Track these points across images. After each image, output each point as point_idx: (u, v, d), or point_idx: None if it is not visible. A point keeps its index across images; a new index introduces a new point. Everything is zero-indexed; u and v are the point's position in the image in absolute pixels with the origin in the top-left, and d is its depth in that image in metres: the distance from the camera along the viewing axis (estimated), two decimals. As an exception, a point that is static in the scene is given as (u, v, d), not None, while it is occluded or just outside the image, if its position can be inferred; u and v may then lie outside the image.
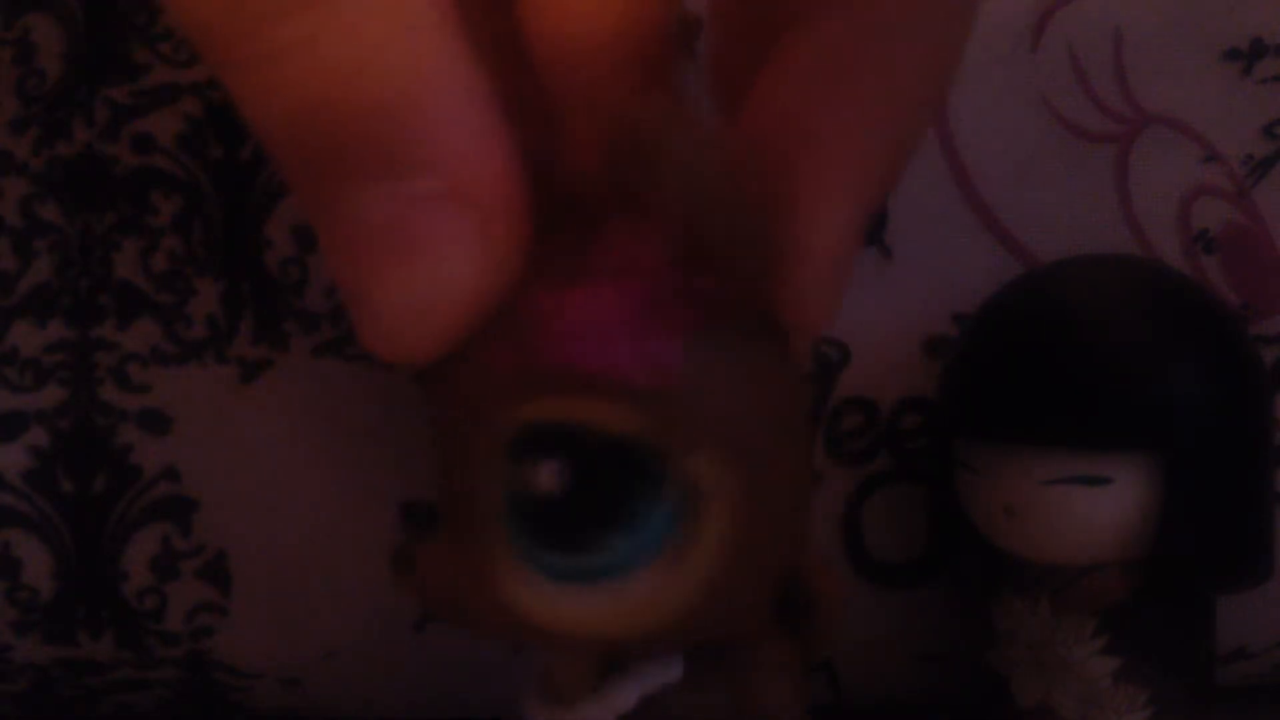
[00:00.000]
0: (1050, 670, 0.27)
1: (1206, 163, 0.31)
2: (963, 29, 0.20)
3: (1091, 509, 0.26)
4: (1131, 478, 0.26)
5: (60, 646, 0.31)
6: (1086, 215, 0.30)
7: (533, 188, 0.19)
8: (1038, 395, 0.26)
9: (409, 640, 0.31)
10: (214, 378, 0.30)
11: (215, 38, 0.18)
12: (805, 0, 0.20)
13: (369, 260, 0.18)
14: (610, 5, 0.22)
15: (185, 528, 0.30)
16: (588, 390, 0.18)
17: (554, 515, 0.19)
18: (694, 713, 0.21)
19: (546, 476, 0.19)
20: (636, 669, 0.21)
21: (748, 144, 0.20)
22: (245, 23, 0.17)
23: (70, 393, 0.30)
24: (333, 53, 0.17)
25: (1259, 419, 0.27)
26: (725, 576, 0.19)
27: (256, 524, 0.30)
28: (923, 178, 0.30)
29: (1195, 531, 0.26)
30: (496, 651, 0.31)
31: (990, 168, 0.30)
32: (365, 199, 0.18)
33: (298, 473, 0.30)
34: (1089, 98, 0.31)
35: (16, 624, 0.31)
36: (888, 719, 0.32)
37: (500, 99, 0.18)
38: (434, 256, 0.18)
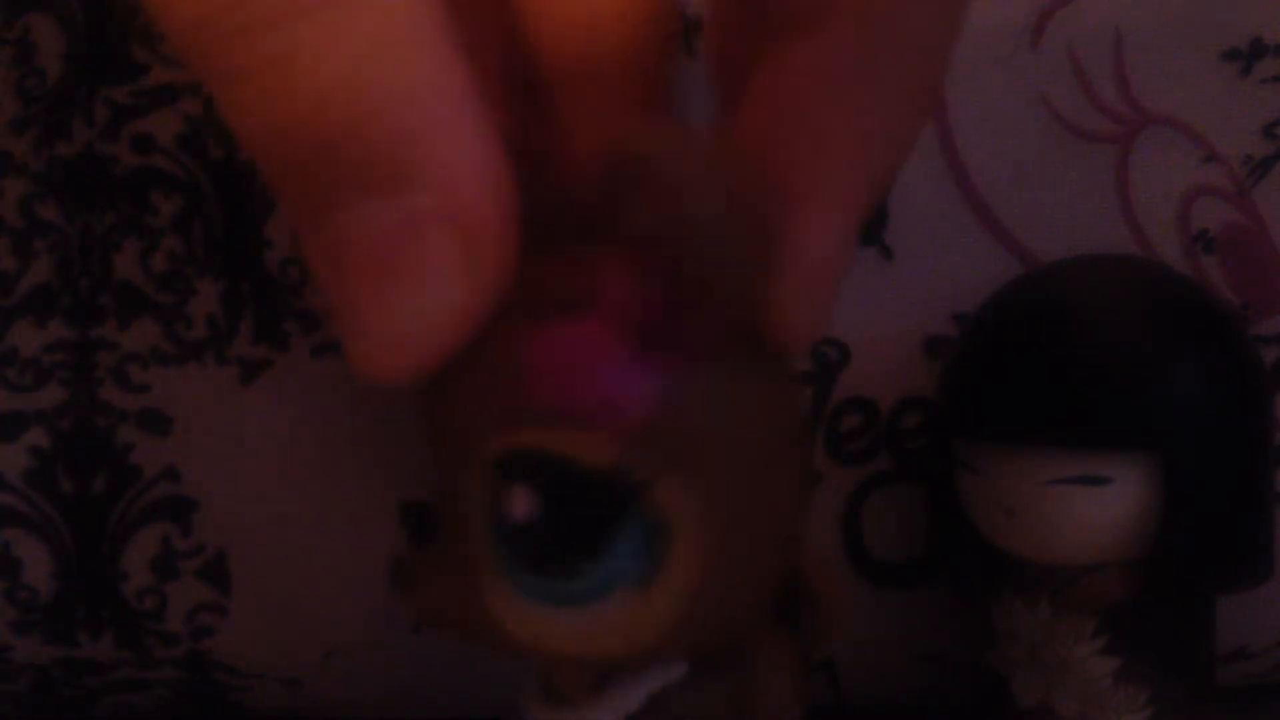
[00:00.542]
0: (1050, 670, 0.27)
1: (1206, 163, 0.31)
2: (952, 34, 0.20)
3: (1091, 509, 0.26)
4: (1131, 478, 0.26)
5: (60, 646, 0.31)
6: (1086, 215, 0.30)
7: (524, 204, 0.19)
8: (1038, 395, 0.26)
9: (409, 640, 0.31)
10: (214, 378, 0.30)
11: (199, 49, 0.17)
12: (801, 4, 0.20)
13: (353, 279, 0.18)
14: (611, 14, 0.22)
15: (185, 528, 0.30)
16: (561, 422, 0.18)
17: (530, 539, 0.19)
18: (696, 712, 0.21)
19: (519, 504, 0.19)
20: (639, 669, 0.21)
21: (740, 157, 0.19)
22: (228, 35, 0.17)
23: (70, 393, 0.30)
24: (317, 68, 0.17)
25: (1259, 419, 0.27)
26: (702, 599, 0.19)
27: (256, 524, 0.30)
28: (923, 178, 0.30)
29: (1195, 531, 0.26)
30: (496, 652, 0.31)
31: (990, 168, 0.30)
32: (350, 217, 0.18)
33: (298, 473, 0.30)
34: (1089, 98, 0.31)
35: (16, 624, 0.31)
36: (888, 719, 0.32)
37: (491, 114, 0.18)
38: (419, 277, 0.18)
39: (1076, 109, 0.31)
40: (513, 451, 0.19)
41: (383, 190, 0.18)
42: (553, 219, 0.20)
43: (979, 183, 0.30)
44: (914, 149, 0.22)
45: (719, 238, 0.18)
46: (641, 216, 0.18)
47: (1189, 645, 0.27)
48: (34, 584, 0.30)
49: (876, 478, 0.31)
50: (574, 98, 0.22)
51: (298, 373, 0.30)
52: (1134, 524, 0.26)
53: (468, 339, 0.18)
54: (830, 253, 0.20)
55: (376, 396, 0.30)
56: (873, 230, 0.30)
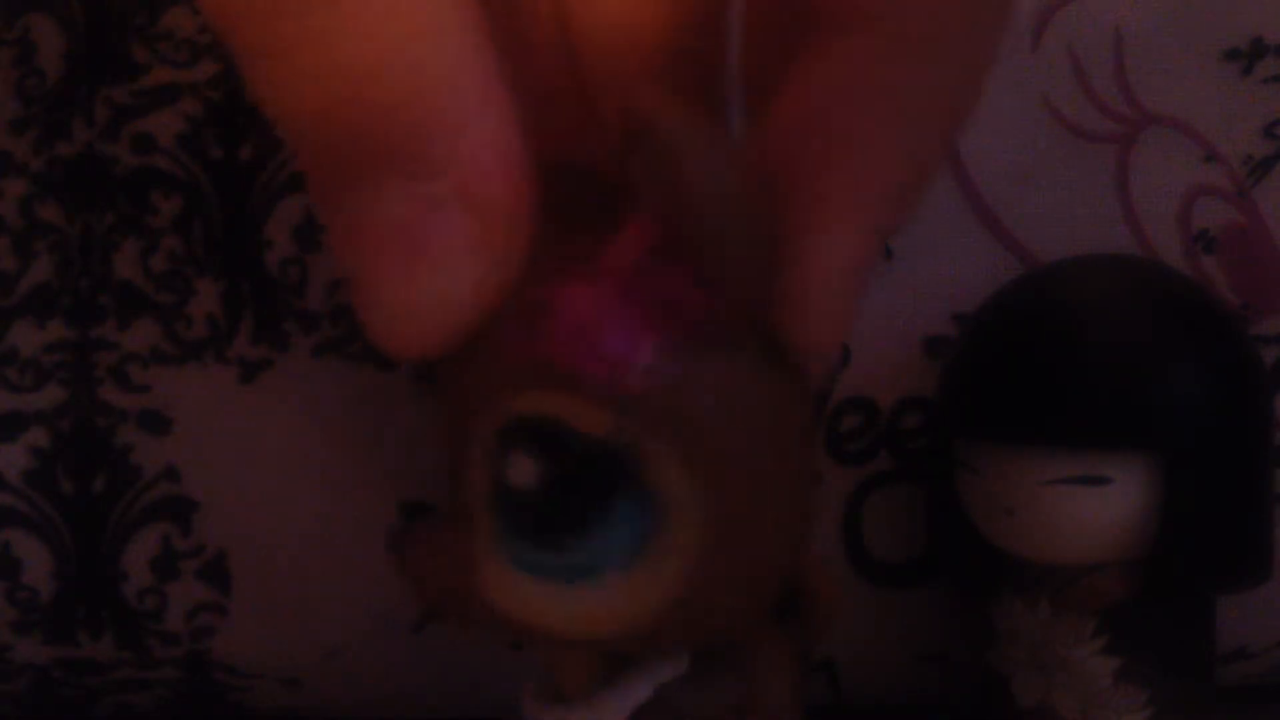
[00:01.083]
0: (1050, 670, 0.27)
1: (1206, 163, 0.31)
2: (988, 55, 0.20)
3: (1091, 509, 0.26)
4: (1131, 478, 0.26)
5: (60, 646, 0.31)
6: (1086, 215, 0.30)
7: (551, 177, 0.19)
8: (1038, 395, 0.26)
9: (409, 640, 0.31)
10: (214, 378, 0.30)
11: (240, 22, 0.18)
12: (841, 11, 0.20)
13: (375, 258, 0.19)
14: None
15: (185, 528, 0.30)
16: (568, 387, 0.18)
17: (531, 510, 0.19)
18: (697, 709, 0.21)
19: (522, 470, 0.19)
20: (646, 663, 0.21)
21: (763, 158, 0.20)
22: (271, 10, 0.17)
23: (70, 393, 0.30)
24: (358, 47, 0.17)
25: (1259, 419, 0.27)
26: (700, 584, 0.19)
27: (256, 524, 0.30)
28: (923, 178, 0.30)
29: (1195, 531, 0.26)
30: (496, 651, 0.31)
31: (990, 168, 0.30)
32: (375, 197, 0.18)
33: (298, 473, 0.30)
34: (1089, 98, 0.31)
35: (16, 624, 0.31)
36: (888, 719, 0.32)
37: (521, 94, 0.18)
38: (439, 258, 0.18)
39: (1076, 109, 0.31)
40: (516, 418, 0.19)
41: (408, 173, 0.18)
42: (584, 185, 0.20)
43: (979, 183, 0.30)
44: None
45: (730, 224, 0.18)
46: (657, 186, 0.18)
47: (1189, 645, 0.27)
48: (34, 584, 0.30)
49: (876, 478, 0.31)
50: (619, 67, 0.22)
51: (298, 373, 0.30)
52: (1134, 524, 0.26)
53: (485, 313, 0.19)
54: (851, 261, 0.20)
55: (376, 396, 0.30)
56: (873, 230, 0.30)
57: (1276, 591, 0.28)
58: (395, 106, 0.18)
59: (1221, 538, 0.26)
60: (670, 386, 0.19)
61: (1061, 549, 0.26)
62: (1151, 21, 0.31)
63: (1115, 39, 0.31)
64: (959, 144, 0.30)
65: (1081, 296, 0.27)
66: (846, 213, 0.19)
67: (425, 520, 0.30)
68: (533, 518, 0.19)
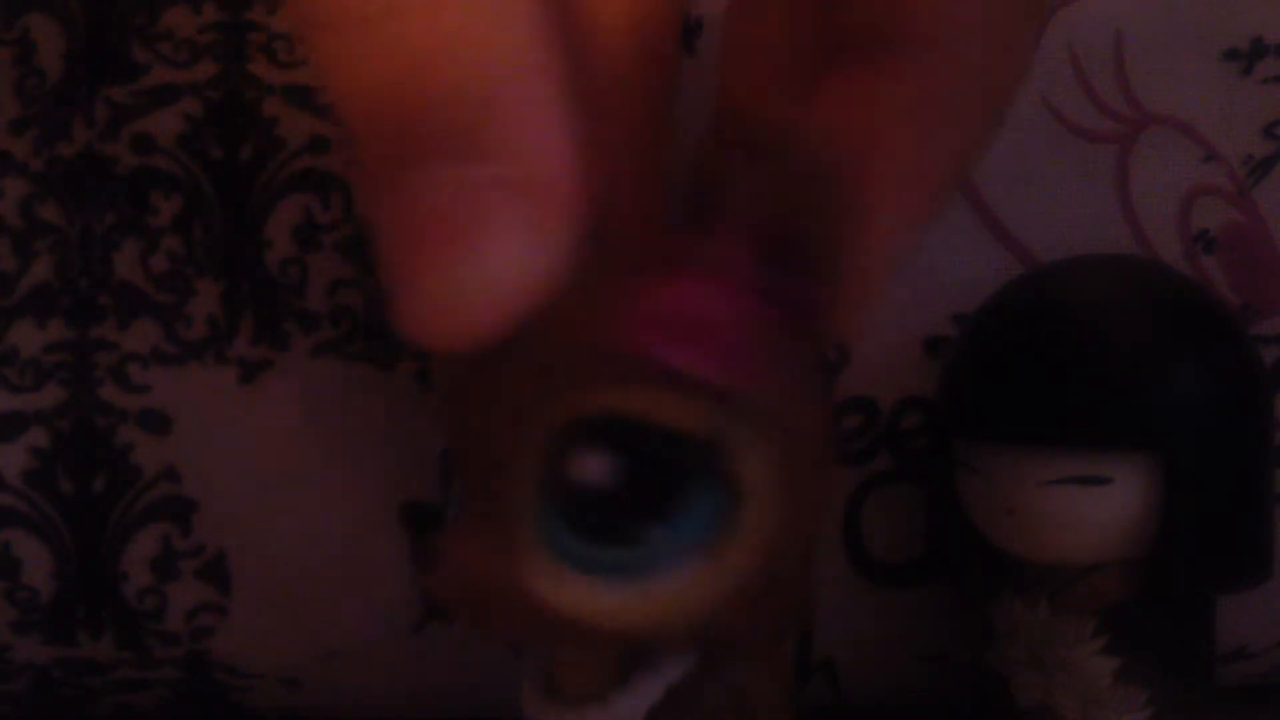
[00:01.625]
0: (1050, 670, 0.27)
1: (1206, 163, 0.31)
2: (1025, 69, 0.21)
3: (1091, 509, 0.26)
4: (1131, 478, 0.26)
5: (60, 646, 0.31)
6: (1086, 215, 0.30)
7: (637, 185, 0.19)
8: (1038, 395, 0.26)
9: (409, 640, 0.31)
10: (214, 378, 0.30)
11: None
12: (895, 31, 0.20)
13: (421, 243, 0.18)
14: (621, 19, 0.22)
15: (185, 528, 0.30)
16: (660, 382, 0.18)
17: (594, 506, 0.19)
18: (696, 711, 0.21)
19: (597, 468, 0.19)
20: (658, 662, 0.21)
21: (824, 159, 0.20)
22: None
23: (70, 393, 0.30)
24: (418, 28, 0.17)
25: (1259, 419, 0.27)
26: (755, 580, 0.19)
27: (256, 524, 0.30)
28: (923, 178, 0.30)
29: (1195, 531, 0.26)
30: (496, 651, 0.31)
31: (990, 168, 0.30)
32: (427, 180, 0.18)
33: (298, 473, 0.30)
34: (1089, 98, 0.31)
35: (16, 624, 0.31)
36: (888, 719, 0.32)
37: (593, 91, 0.19)
38: (486, 246, 0.18)
39: (1077, 109, 0.31)
40: (588, 413, 0.19)
41: (462, 157, 0.18)
42: (674, 192, 0.20)
43: (979, 183, 0.30)
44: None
45: (828, 225, 0.18)
46: (763, 195, 0.18)
47: (1189, 645, 0.27)
48: (34, 584, 0.30)
49: (876, 478, 0.31)
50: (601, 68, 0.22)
51: (298, 373, 0.30)
52: (1134, 524, 0.26)
53: (532, 310, 0.19)
54: (890, 260, 0.20)
55: (376, 396, 0.30)
56: (873, 230, 0.30)
57: (1276, 591, 0.28)
58: (454, 89, 0.17)
59: (1221, 538, 0.26)
60: (765, 383, 0.19)
61: (1061, 549, 0.26)
62: (1151, 21, 0.31)
63: (1115, 39, 0.31)
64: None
65: (1081, 296, 0.27)
66: (886, 216, 0.20)
67: (438, 530, 0.30)
68: (598, 514, 0.19)
